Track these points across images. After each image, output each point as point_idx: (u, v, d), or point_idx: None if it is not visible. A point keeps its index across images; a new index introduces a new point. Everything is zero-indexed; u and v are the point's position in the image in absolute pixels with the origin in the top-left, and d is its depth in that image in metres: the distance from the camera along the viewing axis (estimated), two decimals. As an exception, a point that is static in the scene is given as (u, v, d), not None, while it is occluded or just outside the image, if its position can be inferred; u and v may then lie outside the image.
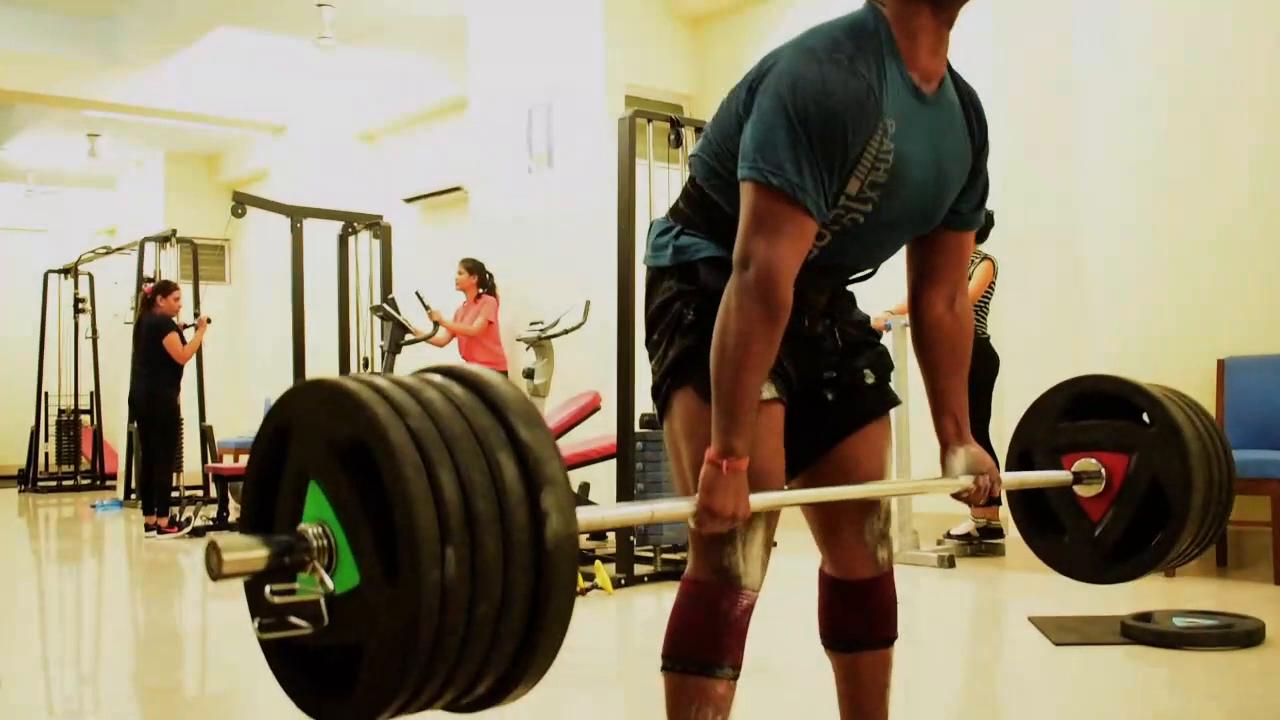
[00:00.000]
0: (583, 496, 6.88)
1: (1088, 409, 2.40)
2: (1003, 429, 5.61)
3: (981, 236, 5.99)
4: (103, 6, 9.38)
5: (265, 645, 1.47)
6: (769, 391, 1.91)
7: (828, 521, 2.10)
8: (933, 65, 1.87)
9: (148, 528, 7.86)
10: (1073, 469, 2.34)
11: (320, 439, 1.39)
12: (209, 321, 8.97)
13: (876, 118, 1.77)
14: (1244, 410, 5.34)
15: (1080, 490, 2.34)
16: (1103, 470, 2.32)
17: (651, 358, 2.05)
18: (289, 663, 1.45)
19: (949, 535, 5.95)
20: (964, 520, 5.93)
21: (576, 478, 6.67)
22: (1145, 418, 2.33)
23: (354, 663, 1.35)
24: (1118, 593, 4.46)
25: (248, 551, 1.36)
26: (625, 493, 5.40)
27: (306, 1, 8.37)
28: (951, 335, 2.09)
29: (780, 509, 1.94)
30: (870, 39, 1.81)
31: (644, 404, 5.74)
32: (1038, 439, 2.44)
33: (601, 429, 6.71)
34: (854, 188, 1.81)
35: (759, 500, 1.83)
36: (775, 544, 2.02)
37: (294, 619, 1.40)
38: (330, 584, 1.36)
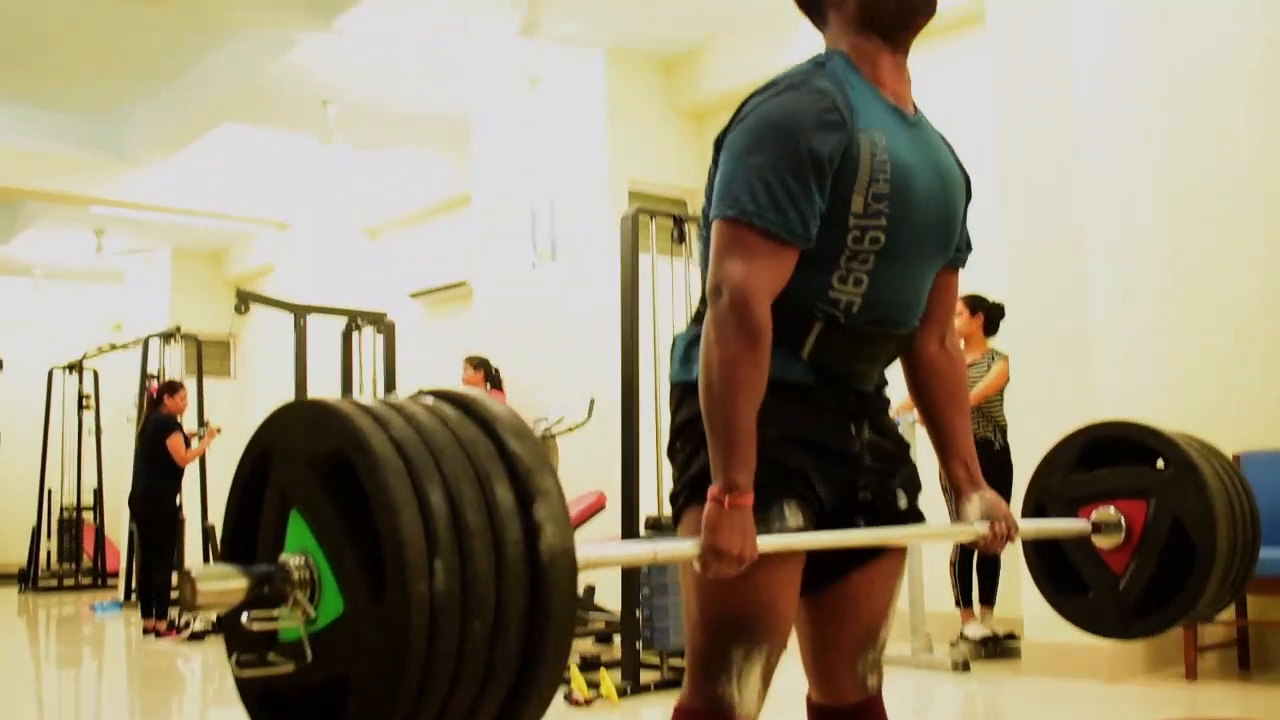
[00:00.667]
0: (588, 600, 6.73)
1: (1100, 458, 2.33)
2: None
3: (993, 328, 5.93)
4: (109, 104, 9.43)
5: (244, 693, 1.37)
6: (795, 519, 1.81)
7: (820, 641, 2.00)
8: (899, 88, 1.92)
9: (146, 631, 7.72)
10: (1090, 519, 2.25)
11: (300, 460, 1.32)
12: (219, 431, 8.89)
13: (844, 125, 1.77)
14: (1262, 506, 5.21)
15: (1100, 542, 2.26)
16: (1122, 520, 2.24)
17: (673, 464, 1.98)
18: (270, 711, 1.35)
19: (962, 637, 5.80)
20: (971, 622, 5.78)
21: (580, 580, 6.53)
22: (1160, 462, 2.26)
23: (340, 704, 1.25)
24: (1138, 696, 4.32)
25: (224, 582, 1.28)
26: (630, 594, 5.27)
27: (311, 99, 8.40)
28: (947, 374, 2.05)
29: (789, 618, 1.84)
30: (829, 65, 1.87)
31: (648, 504, 5.64)
32: (1051, 492, 2.36)
33: (607, 529, 6.59)
34: (859, 204, 1.79)
35: (768, 542, 1.74)
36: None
37: (275, 656, 1.31)
38: (313, 612, 1.27)
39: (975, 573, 5.82)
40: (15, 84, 8.95)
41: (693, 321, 1.99)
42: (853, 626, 1.98)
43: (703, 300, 1.99)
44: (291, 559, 1.30)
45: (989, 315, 5.93)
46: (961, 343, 5.94)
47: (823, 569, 1.92)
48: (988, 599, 5.82)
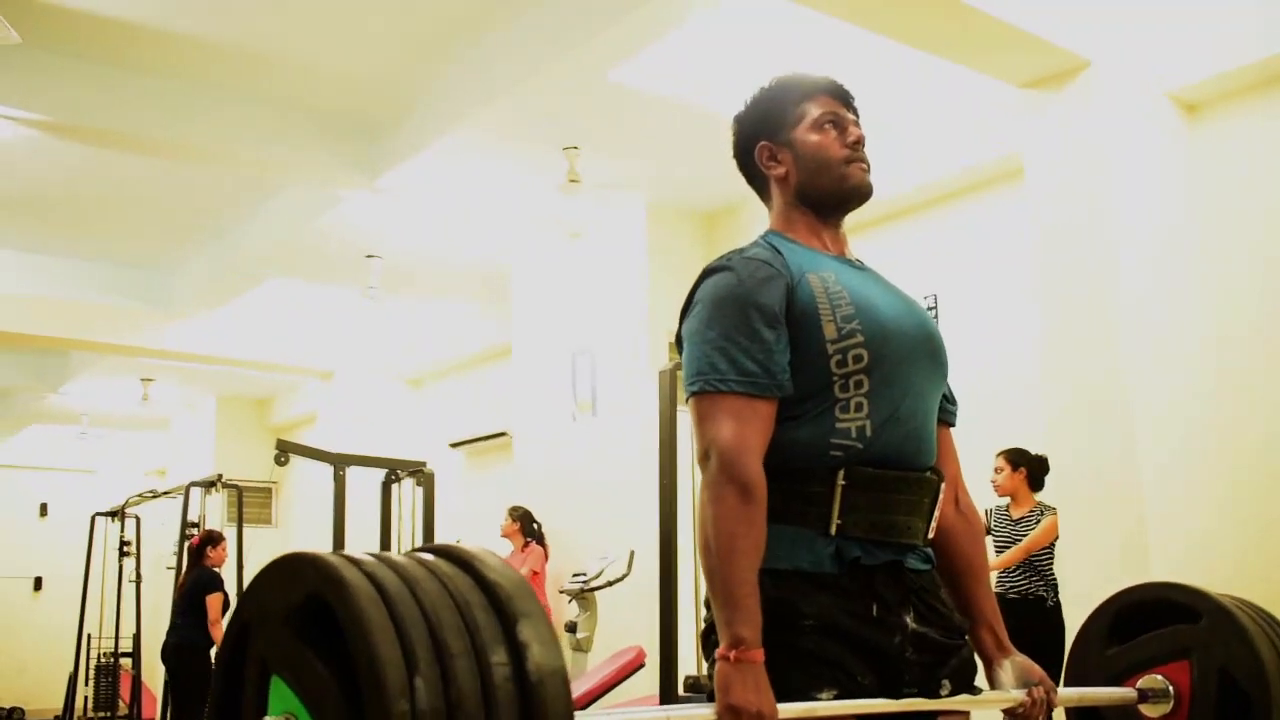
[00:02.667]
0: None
1: (1134, 625, 2.23)
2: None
3: (1038, 483, 5.83)
4: (157, 258, 9.63)
5: None
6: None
7: None
8: (838, 247, 2.05)
9: (176, 787, 7.59)
10: (1136, 687, 2.16)
11: (277, 619, 1.30)
12: None
13: (780, 275, 1.88)
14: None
15: (1148, 710, 2.15)
16: (1169, 686, 2.13)
17: (710, 608, 1.94)
18: None
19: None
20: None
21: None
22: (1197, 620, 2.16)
23: None
24: None
25: None
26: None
27: (355, 253, 8.54)
28: (965, 537, 2.03)
29: None
30: (764, 239, 2.02)
31: (688, 662, 5.52)
32: (1090, 672, 2.26)
33: (647, 687, 6.45)
34: (830, 331, 1.85)
35: (791, 710, 1.68)
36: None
37: None
38: None
39: None
40: (67, 239, 9.18)
41: None
42: None
43: None
44: None
45: (1032, 469, 5.85)
46: (1008, 500, 5.89)
47: None
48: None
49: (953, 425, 2.09)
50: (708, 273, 1.95)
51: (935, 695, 1.86)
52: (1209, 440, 5.29)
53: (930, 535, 1.93)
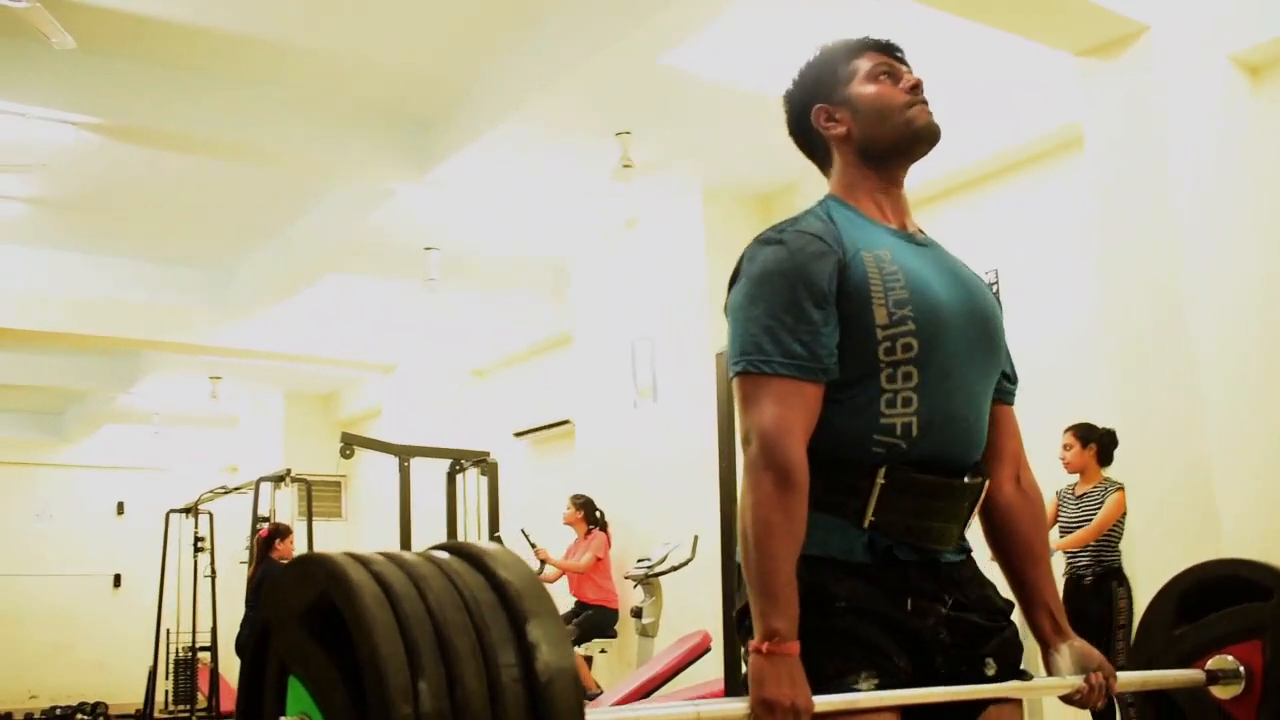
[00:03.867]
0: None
1: (1201, 605, 2.14)
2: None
3: (1107, 457, 5.73)
4: (220, 258, 9.77)
5: None
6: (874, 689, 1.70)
7: None
8: (899, 217, 1.96)
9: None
10: (1205, 668, 2.06)
11: (292, 619, 1.31)
12: None
13: (832, 251, 1.81)
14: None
15: (1220, 693, 2.06)
16: (1240, 667, 2.04)
17: (738, 586, 1.91)
18: None
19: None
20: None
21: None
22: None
23: None
24: None
25: None
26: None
27: (413, 246, 8.59)
28: (1026, 517, 1.95)
29: None
30: (819, 208, 1.94)
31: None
32: (1157, 654, 2.17)
33: (712, 671, 6.44)
34: (881, 315, 1.77)
35: (826, 701, 1.63)
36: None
37: None
38: None
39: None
40: (133, 241, 9.34)
41: None
42: None
43: None
44: None
45: (1101, 444, 5.74)
46: (1077, 477, 5.80)
47: None
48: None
49: (1010, 403, 2.00)
50: (758, 243, 1.89)
51: (981, 675, 1.81)
52: (1272, 404, 5.17)
53: (964, 545, 1.89)
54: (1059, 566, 5.61)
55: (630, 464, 8.04)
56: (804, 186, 7.68)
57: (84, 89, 6.28)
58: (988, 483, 1.89)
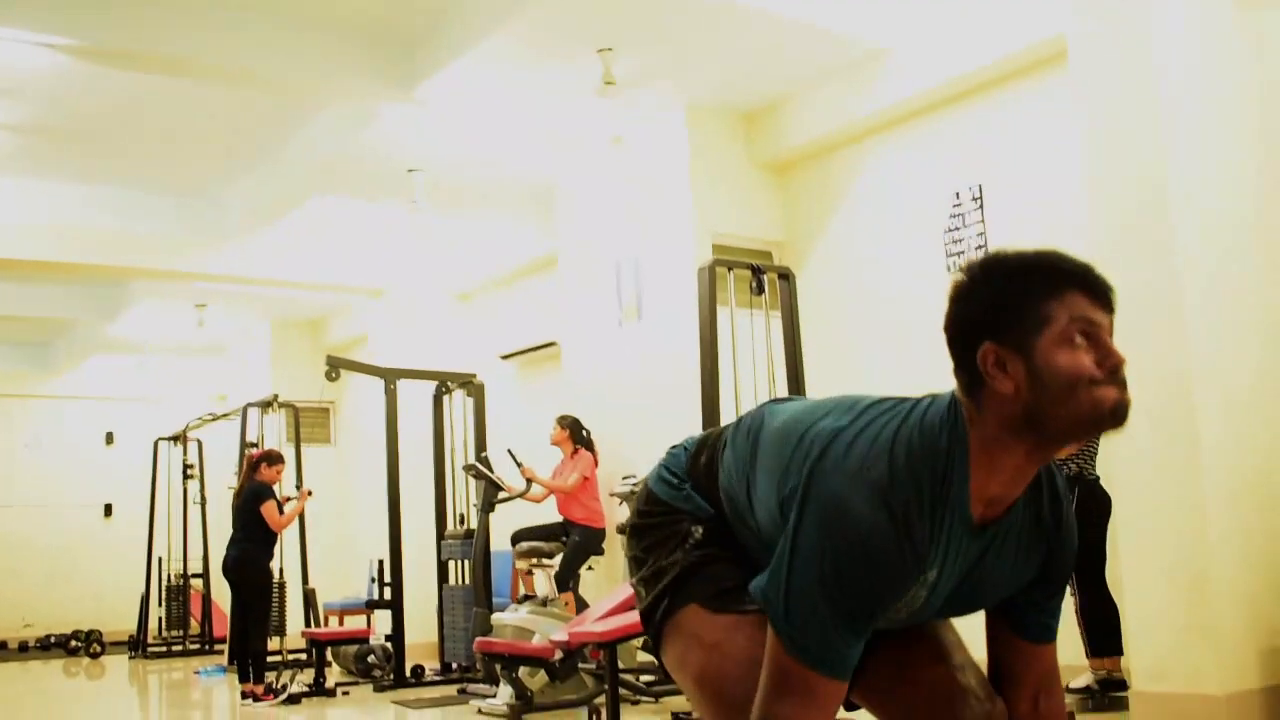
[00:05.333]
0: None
1: None
2: (1118, 572, 5.32)
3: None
4: (204, 184, 9.72)
5: None
6: None
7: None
8: (1007, 494, 1.71)
9: (244, 695, 7.78)
10: None
11: None
12: (310, 494, 9.03)
13: (921, 574, 1.66)
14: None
15: None
16: None
17: (635, 573, 1.93)
18: None
19: (1068, 689, 5.61)
20: (1084, 673, 5.60)
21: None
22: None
23: None
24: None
25: None
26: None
27: (397, 168, 8.55)
28: None
29: None
30: (938, 467, 1.64)
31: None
32: None
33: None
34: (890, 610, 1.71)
35: None
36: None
37: None
38: None
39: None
40: (115, 169, 9.29)
41: (689, 467, 1.97)
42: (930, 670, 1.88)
43: (700, 446, 1.98)
44: None
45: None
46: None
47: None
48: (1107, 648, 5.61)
49: (1042, 645, 1.88)
50: (875, 481, 1.62)
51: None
52: (1259, 319, 5.20)
53: None
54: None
55: (615, 383, 8.08)
56: (789, 105, 7.66)
57: (61, 10, 6.22)
58: (1003, 706, 1.86)
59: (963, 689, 1.84)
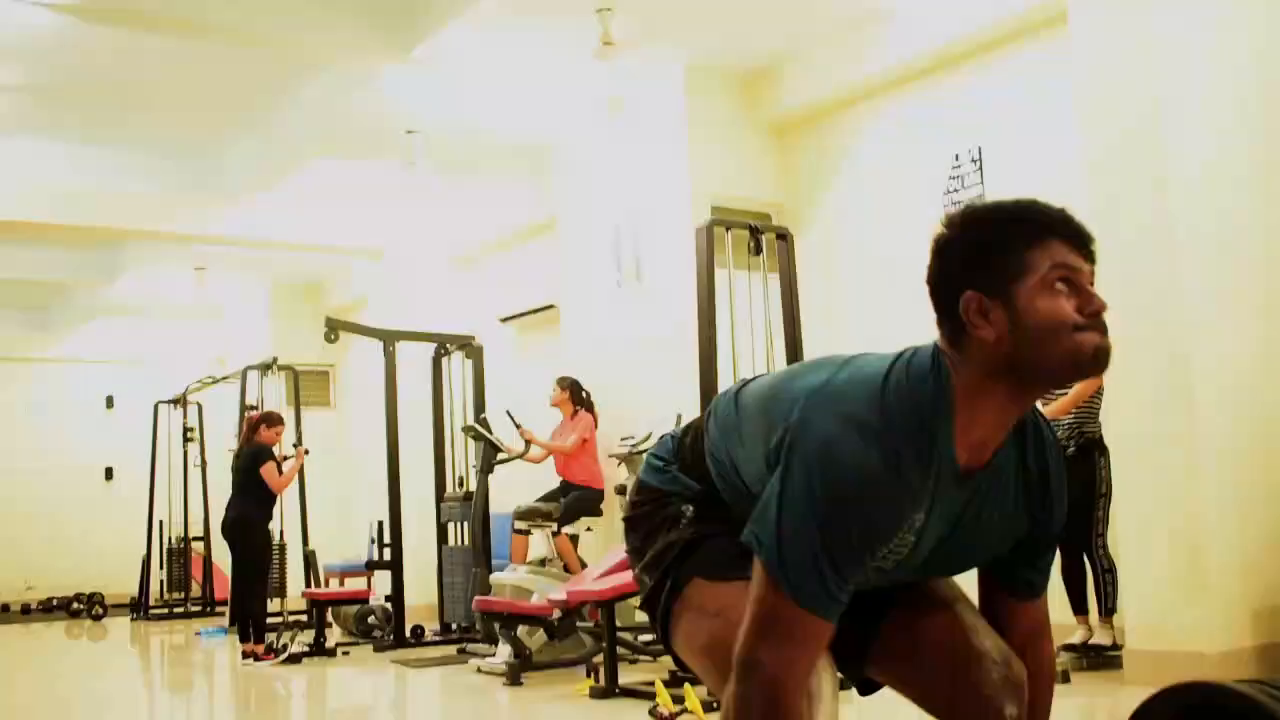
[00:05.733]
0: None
1: None
2: (1114, 532, 5.36)
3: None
4: (203, 145, 9.68)
5: None
6: None
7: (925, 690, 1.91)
8: (990, 439, 1.73)
9: (244, 655, 7.84)
10: None
11: None
12: (307, 453, 9.06)
13: (909, 517, 1.68)
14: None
15: None
16: None
17: (637, 564, 1.95)
18: None
19: (1063, 648, 5.64)
20: (1078, 629, 5.64)
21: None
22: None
23: None
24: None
25: None
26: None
27: (396, 129, 8.52)
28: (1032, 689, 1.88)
29: None
30: (924, 412, 1.67)
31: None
32: None
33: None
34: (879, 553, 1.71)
35: None
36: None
37: None
38: None
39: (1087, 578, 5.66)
40: (114, 129, 9.24)
41: (675, 450, 2.01)
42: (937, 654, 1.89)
43: (691, 448, 1.98)
44: None
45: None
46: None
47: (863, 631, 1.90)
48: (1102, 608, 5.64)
49: (1030, 601, 1.91)
50: (866, 421, 1.65)
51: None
52: (1257, 279, 5.21)
53: None
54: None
55: (614, 345, 8.09)
56: (788, 67, 7.63)
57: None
58: (1019, 665, 1.86)
59: (979, 652, 1.84)
